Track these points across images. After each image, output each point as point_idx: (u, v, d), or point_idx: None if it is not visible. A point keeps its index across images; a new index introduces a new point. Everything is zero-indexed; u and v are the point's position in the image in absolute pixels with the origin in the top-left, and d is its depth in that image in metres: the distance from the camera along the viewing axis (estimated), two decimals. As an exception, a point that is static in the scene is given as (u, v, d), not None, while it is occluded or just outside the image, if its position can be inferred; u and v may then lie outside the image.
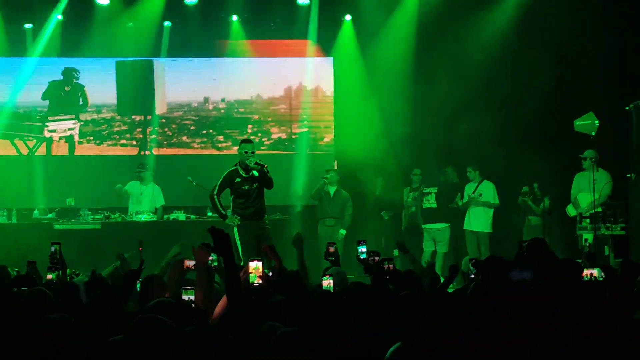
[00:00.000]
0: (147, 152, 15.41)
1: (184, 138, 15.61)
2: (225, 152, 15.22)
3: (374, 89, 15.03)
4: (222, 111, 15.64)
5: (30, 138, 15.19)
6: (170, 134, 15.59)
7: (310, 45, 15.39)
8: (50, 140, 15.22)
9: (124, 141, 15.47)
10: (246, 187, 10.88)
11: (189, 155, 15.51)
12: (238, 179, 10.89)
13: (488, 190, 13.86)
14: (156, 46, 15.18)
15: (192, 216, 13.56)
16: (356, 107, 15.11)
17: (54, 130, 15.21)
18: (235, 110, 15.64)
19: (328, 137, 15.63)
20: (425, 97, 14.32)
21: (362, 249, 7.67)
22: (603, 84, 13.61)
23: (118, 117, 15.41)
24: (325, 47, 15.50)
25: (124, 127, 15.49)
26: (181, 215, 13.43)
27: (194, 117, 15.64)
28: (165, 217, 13.39)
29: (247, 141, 11.29)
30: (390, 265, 7.05)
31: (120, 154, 15.30)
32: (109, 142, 15.41)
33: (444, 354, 3.09)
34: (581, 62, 13.66)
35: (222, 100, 15.63)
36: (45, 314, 4.79)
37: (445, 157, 14.31)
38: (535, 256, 6.73)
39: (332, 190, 14.05)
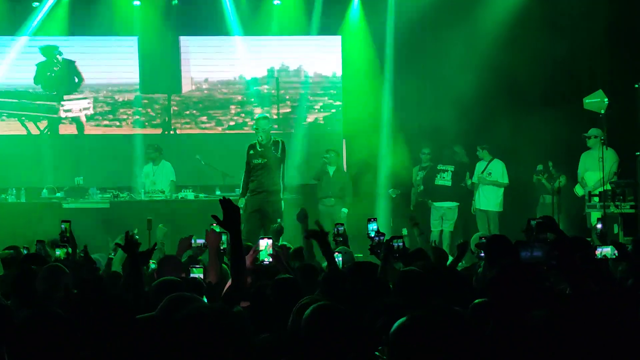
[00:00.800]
0: (159, 132, 15.47)
1: (203, 117, 15.65)
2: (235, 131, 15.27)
3: (383, 67, 15.00)
4: (237, 89, 15.65)
5: (41, 118, 15.22)
6: (187, 112, 15.64)
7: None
8: (58, 120, 15.24)
9: (131, 119, 15.50)
10: (255, 160, 11.16)
11: (200, 135, 15.54)
12: (252, 151, 11.26)
13: (497, 169, 13.83)
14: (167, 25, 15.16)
15: (201, 195, 13.56)
16: (364, 86, 15.06)
17: (69, 110, 15.24)
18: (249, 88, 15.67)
19: (336, 117, 15.63)
20: (434, 74, 14.23)
21: (373, 226, 7.66)
22: (612, 61, 13.56)
23: (128, 97, 15.42)
24: (333, 25, 15.48)
25: (136, 108, 15.51)
26: (190, 194, 13.43)
27: (210, 97, 15.65)
28: (175, 195, 13.38)
29: (257, 118, 11.74)
30: (400, 244, 7.05)
31: (128, 133, 15.29)
32: (117, 122, 15.43)
33: (449, 331, 3.08)
34: (590, 40, 13.56)
35: (240, 77, 15.65)
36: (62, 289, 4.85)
37: (455, 136, 14.25)
38: (544, 233, 6.70)
39: (331, 170, 14.04)
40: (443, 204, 13.89)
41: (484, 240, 7.44)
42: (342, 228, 8.09)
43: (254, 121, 11.56)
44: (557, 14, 13.90)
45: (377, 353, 3.89)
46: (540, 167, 13.62)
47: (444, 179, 13.93)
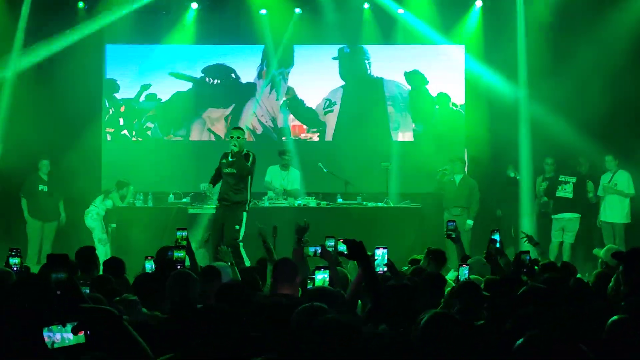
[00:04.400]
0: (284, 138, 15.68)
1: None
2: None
3: (507, 76, 14.87)
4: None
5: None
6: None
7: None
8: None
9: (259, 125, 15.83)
10: (225, 169, 11.21)
11: (321, 142, 15.70)
12: (224, 160, 11.25)
13: (623, 180, 13.53)
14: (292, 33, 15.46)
15: (323, 203, 13.67)
16: (487, 94, 14.93)
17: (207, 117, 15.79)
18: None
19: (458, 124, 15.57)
20: (565, 83, 14.02)
21: (496, 238, 7.58)
22: None
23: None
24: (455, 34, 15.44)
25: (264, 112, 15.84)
26: (312, 202, 13.55)
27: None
28: (297, 202, 13.51)
29: (231, 129, 11.98)
30: (527, 257, 6.99)
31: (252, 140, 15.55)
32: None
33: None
34: None
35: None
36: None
37: (579, 146, 14.02)
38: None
39: (457, 178, 13.96)
40: (564, 215, 13.67)
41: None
42: (454, 224, 8.08)
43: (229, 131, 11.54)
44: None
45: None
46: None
47: (565, 191, 13.69)
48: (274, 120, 15.86)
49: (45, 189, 14.09)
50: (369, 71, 15.78)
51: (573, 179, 13.72)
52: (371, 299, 5.04)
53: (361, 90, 15.72)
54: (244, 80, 15.82)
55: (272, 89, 15.83)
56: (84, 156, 14.79)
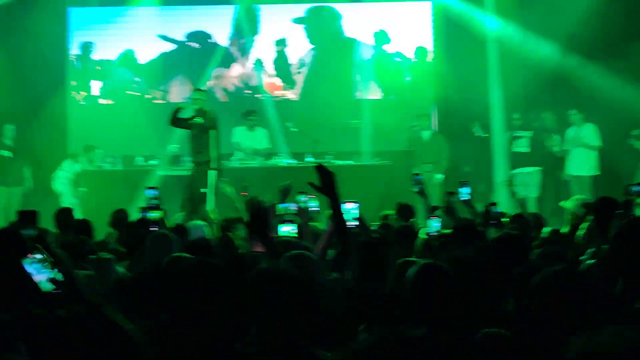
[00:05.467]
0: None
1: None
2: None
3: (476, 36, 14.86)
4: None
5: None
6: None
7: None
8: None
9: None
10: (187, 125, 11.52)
11: (288, 101, 15.64)
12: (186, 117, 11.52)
13: (589, 132, 13.63)
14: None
15: (292, 161, 13.66)
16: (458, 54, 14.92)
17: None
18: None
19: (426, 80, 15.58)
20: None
21: (466, 190, 7.64)
22: None
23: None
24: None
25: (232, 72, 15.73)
26: (281, 161, 13.54)
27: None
28: (266, 162, 13.50)
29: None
30: (496, 210, 7.04)
31: (224, 100, 15.50)
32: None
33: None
34: None
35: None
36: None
37: (543, 101, 14.10)
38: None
39: (425, 134, 13.98)
40: (522, 170, 13.76)
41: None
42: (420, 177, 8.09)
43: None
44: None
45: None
46: (636, 131, 13.37)
47: (521, 146, 13.82)
48: (247, 80, 15.71)
49: (10, 154, 13.92)
50: (337, 31, 15.69)
51: (529, 134, 13.80)
52: (339, 242, 5.03)
53: (329, 51, 15.62)
54: (219, 42, 15.64)
55: (244, 51, 15.70)
56: (49, 121, 14.63)
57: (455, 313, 3.60)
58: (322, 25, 15.67)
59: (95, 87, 15.60)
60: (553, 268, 3.23)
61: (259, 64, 15.59)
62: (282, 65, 15.66)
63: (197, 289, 3.33)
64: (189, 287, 3.36)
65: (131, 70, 15.59)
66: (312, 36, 15.68)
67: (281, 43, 15.60)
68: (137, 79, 15.57)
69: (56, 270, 3.38)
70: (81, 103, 15.50)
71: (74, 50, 15.50)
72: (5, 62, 14.38)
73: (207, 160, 11.29)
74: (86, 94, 15.58)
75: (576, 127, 13.72)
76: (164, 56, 15.57)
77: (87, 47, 15.55)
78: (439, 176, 13.70)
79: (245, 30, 15.56)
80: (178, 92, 15.32)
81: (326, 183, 4.78)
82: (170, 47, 15.60)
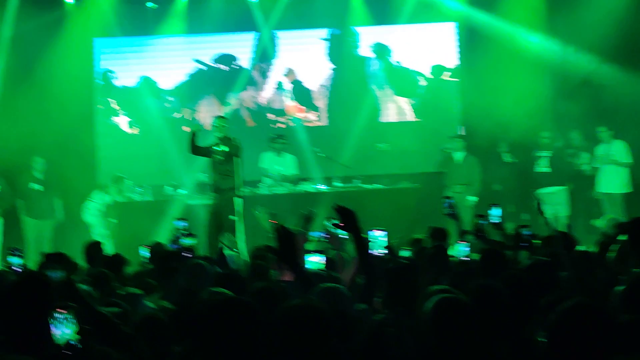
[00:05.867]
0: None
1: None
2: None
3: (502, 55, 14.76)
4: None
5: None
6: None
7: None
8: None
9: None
10: (213, 156, 11.46)
11: (314, 127, 15.66)
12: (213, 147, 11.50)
13: (618, 149, 13.50)
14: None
15: (321, 187, 13.62)
16: (484, 73, 14.85)
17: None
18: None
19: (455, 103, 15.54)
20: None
21: (497, 212, 7.52)
22: None
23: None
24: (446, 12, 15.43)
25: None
26: (310, 187, 13.52)
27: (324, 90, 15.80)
28: (294, 188, 13.48)
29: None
30: (528, 232, 6.93)
31: (251, 125, 15.58)
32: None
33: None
34: None
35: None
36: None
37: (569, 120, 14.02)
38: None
39: (458, 156, 13.93)
40: (545, 190, 13.65)
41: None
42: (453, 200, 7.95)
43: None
44: None
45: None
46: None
47: (541, 166, 13.75)
48: (272, 104, 15.78)
49: (40, 187, 14.01)
50: (357, 53, 15.72)
51: (549, 153, 13.72)
52: (365, 276, 5.00)
53: (351, 74, 15.63)
54: (244, 66, 15.74)
55: (266, 75, 15.76)
56: (78, 152, 14.72)
57: (477, 346, 3.55)
58: (343, 48, 15.70)
59: (123, 116, 15.69)
60: (571, 302, 3.13)
61: (282, 87, 15.65)
62: (302, 90, 15.70)
63: (226, 327, 3.30)
64: (218, 324, 3.33)
65: (158, 95, 15.69)
66: (333, 59, 15.71)
67: (301, 67, 15.69)
68: (169, 97, 15.70)
69: (75, 328, 3.36)
70: (109, 133, 15.59)
71: (100, 80, 15.61)
72: (33, 95, 14.48)
73: (232, 187, 11.29)
74: (114, 123, 15.67)
75: (605, 144, 13.60)
76: (192, 78, 15.71)
77: (112, 77, 15.67)
78: (472, 198, 13.59)
79: (267, 55, 15.63)
80: (207, 112, 15.45)
81: (347, 222, 4.78)
82: (197, 70, 15.72)
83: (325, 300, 4.10)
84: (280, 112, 15.70)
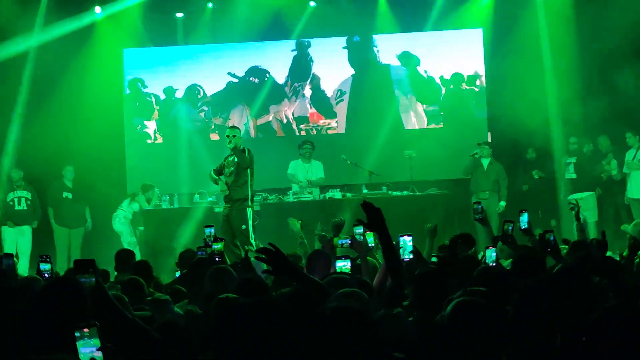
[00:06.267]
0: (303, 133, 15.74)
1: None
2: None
3: (529, 60, 14.68)
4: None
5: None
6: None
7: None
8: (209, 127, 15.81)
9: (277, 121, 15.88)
10: (225, 169, 11.58)
11: (337, 134, 15.72)
12: (224, 162, 11.68)
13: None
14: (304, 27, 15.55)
15: (348, 194, 13.63)
16: (509, 79, 14.77)
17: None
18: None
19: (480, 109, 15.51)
20: (582, 63, 13.90)
21: (524, 218, 7.50)
22: None
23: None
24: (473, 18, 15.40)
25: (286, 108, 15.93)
26: (337, 194, 13.53)
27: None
28: (322, 195, 13.50)
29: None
30: (551, 238, 6.90)
31: (281, 135, 15.75)
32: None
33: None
34: None
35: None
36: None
37: (599, 125, 13.93)
38: None
39: (485, 162, 13.93)
40: (574, 196, 13.61)
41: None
42: (480, 205, 7.84)
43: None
44: None
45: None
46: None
47: (569, 172, 13.83)
48: (298, 113, 15.88)
49: (70, 195, 14.13)
50: (378, 59, 15.75)
51: (573, 159, 13.74)
52: (391, 276, 4.98)
53: (375, 82, 15.68)
54: (274, 77, 15.84)
55: (295, 86, 15.85)
56: (108, 161, 14.84)
57: (498, 350, 3.53)
58: (362, 53, 15.74)
59: (151, 125, 15.81)
60: (608, 304, 3.11)
61: (307, 96, 15.74)
62: (325, 98, 15.77)
63: (255, 330, 3.26)
64: (245, 327, 3.29)
65: (190, 104, 15.81)
66: (358, 66, 15.75)
67: (326, 76, 15.78)
68: (203, 108, 15.82)
69: (99, 344, 3.36)
70: (138, 142, 15.72)
71: (129, 90, 15.73)
72: (62, 104, 14.61)
73: (244, 197, 11.39)
74: (143, 132, 15.79)
75: (634, 150, 13.51)
76: (225, 88, 15.84)
77: (142, 86, 15.78)
78: (502, 203, 13.66)
79: (296, 65, 15.70)
80: (238, 119, 15.61)
81: (374, 219, 4.76)
82: (229, 80, 15.81)
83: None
84: (305, 120, 15.76)
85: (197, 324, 4.75)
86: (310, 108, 15.81)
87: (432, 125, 15.61)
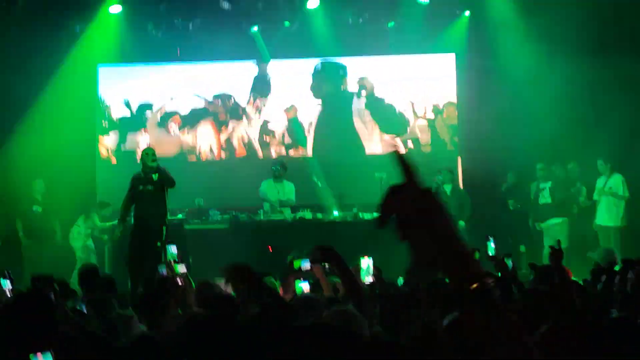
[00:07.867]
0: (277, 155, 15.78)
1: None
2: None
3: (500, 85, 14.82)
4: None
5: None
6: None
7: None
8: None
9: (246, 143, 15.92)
10: (145, 187, 11.43)
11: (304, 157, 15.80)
12: (138, 181, 11.50)
13: (617, 183, 13.55)
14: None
15: (319, 214, 13.64)
16: (481, 103, 14.88)
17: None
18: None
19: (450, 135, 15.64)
20: (554, 89, 14.01)
21: (492, 244, 7.52)
22: None
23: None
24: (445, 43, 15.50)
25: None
26: (308, 214, 13.54)
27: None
28: (292, 215, 13.49)
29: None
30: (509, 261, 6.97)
31: (242, 156, 15.77)
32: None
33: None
34: None
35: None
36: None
37: (571, 150, 14.05)
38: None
39: (448, 189, 14.02)
40: (549, 222, 13.75)
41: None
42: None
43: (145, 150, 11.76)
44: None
45: None
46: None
47: (544, 197, 13.85)
48: (262, 134, 16.01)
49: (39, 209, 14.04)
50: (343, 86, 15.88)
51: (548, 184, 13.86)
52: (351, 299, 5.03)
53: (344, 106, 15.84)
54: (237, 100, 15.99)
55: (258, 105, 15.95)
56: (78, 176, 14.76)
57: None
58: (328, 81, 15.90)
59: (125, 140, 15.84)
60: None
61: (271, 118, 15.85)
62: (296, 124, 15.91)
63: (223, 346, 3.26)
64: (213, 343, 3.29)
65: (161, 120, 15.86)
66: (324, 92, 15.88)
67: (291, 98, 15.92)
68: (171, 124, 15.81)
69: None
70: (108, 157, 15.70)
71: (102, 105, 15.72)
72: (36, 119, 14.55)
73: (162, 214, 11.38)
74: (113, 148, 15.77)
75: (604, 177, 13.65)
76: (191, 105, 15.96)
77: (114, 103, 15.78)
78: (461, 222, 13.57)
79: (260, 85, 15.83)
80: (204, 135, 15.75)
81: (329, 259, 4.85)
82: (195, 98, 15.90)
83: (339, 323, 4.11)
84: (268, 144, 15.92)
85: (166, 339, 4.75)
86: (276, 129, 15.87)
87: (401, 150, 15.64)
